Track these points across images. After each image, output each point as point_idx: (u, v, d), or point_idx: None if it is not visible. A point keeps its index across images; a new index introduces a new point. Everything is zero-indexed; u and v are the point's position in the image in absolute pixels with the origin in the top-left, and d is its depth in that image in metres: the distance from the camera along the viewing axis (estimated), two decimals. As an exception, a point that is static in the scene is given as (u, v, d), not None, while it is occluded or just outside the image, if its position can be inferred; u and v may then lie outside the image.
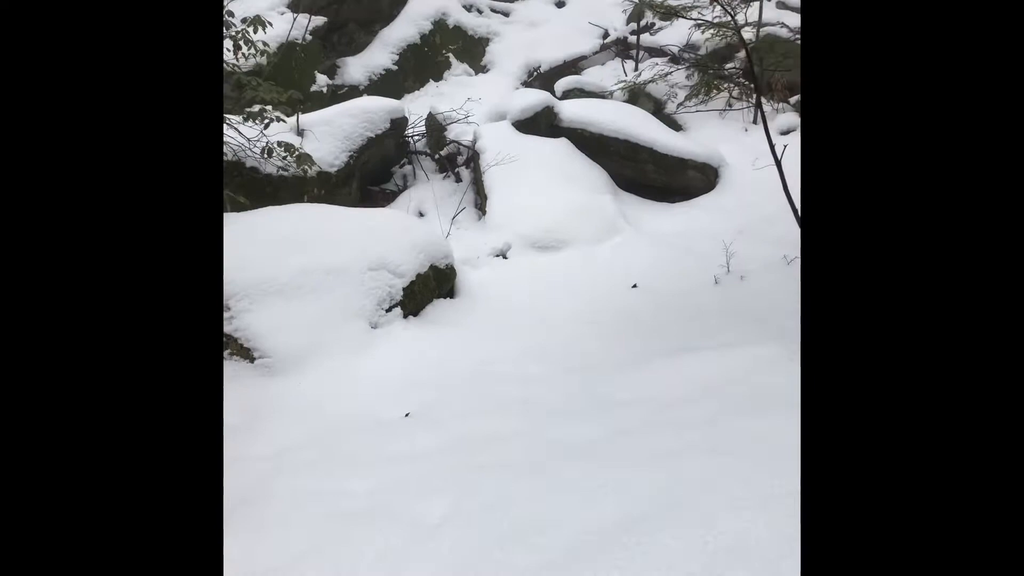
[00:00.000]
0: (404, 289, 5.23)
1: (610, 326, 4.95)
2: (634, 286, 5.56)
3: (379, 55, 9.36)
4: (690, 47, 8.87)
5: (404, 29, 9.62)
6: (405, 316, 5.18)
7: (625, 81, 8.53)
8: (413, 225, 5.85)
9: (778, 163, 4.50)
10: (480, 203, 7.25)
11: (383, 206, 7.55)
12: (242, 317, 4.63)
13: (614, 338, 4.71)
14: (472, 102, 8.34)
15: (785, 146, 4.69)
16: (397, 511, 2.82)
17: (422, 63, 9.62)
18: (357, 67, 9.17)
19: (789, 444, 2.52)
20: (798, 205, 4.61)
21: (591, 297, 5.55)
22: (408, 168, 8.07)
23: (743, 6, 4.26)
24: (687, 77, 6.11)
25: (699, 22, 4.61)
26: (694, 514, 2.30)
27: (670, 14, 5.33)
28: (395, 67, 9.35)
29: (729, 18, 4.37)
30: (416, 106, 8.82)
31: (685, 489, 2.48)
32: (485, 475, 3.01)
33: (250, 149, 5.83)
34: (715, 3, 4.36)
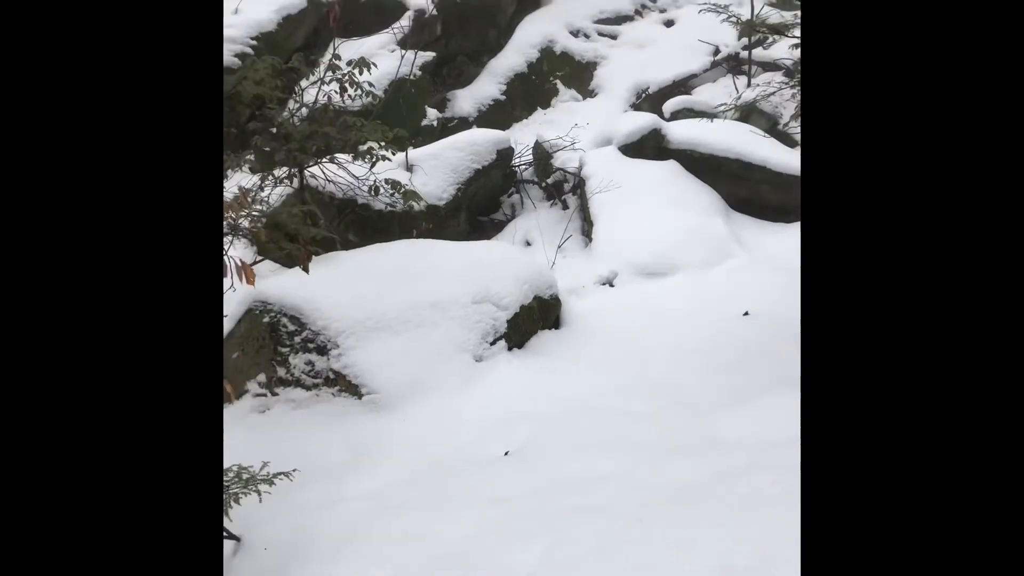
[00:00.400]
0: (508, 321, 5.23)
1: (720, 357, 4.78)
2: (746, 313, 5.36)
3: (487, 86, 9.49)
4: (805, 59, 8.54)
5: (511, 59, 9.73)
6: (509, 348, 5.18)
7: (736, 99, 8.31)
8: (516, 255, 5.86)
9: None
10: (586, 230, 7.20)
11: (492, 236, 7.62)
12: (350, 354, 4.74)
13: (723, 371, 4.54)
14: (578, 128, 8.32)
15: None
16: (489, 558, 2.79)
17: (530, 91, 9.69)
18: (466, 99, 9.33)
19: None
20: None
21: (700, 325, 5.38)
22: (516, 197, 8.12)
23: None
24: (792, 96, 5.90)
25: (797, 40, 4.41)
26: (788, 567, 2.17)
27: (775, 31, 5.14)
28: (503, 97, 9.46)
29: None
30: (524, 135, 8.88)
31: (781, 541, 2.34)
32: (580, 520, 2.94)
33: (359, 188, 6.00)
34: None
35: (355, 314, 4.85)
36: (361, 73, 5.62)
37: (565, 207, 7.80)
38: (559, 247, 7.07)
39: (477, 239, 7.57)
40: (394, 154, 5.88)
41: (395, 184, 5.93)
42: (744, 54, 9.48)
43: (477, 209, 7.80)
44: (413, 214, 6.71)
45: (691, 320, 5.53)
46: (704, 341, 5.08)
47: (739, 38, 9.70)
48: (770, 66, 9.30)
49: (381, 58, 8.49)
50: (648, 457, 3.43)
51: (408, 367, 4.72)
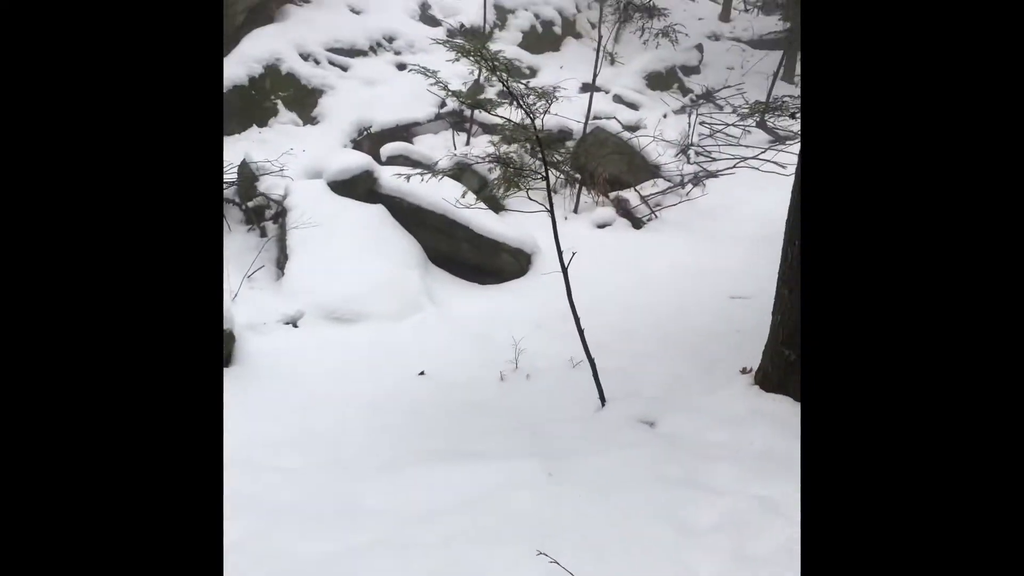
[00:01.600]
0: (170, 355, 4.79)
1: (389, 416, 4.72)
2: (422, 373, 5.38)
3: (201, 92, 8.86)
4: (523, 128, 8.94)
5: (233, 69, 9.19)
6: (167, 385, 4.73)
7: (453, 155, 8.49)
8: (193, 284, 5.41)
9: (564, 270, 4.49)
10: (281, 262, 6.89)
11: (177, 254, 7.03)
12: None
13: (389, 431, 4.48)
14: (291, 154, 8.01)
15: (573, 253, 4.69)
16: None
17: (248, 106, 9.20)
18: (175, 101, 8.63)
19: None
20: (579, 313, 4.61)
21: (377, 379, 5.31)
22: (212, 216, 7.59)
23: (544, 107, 4.22)
24: (488, 171, 6.15)
25: (503, 126, 4.58)
26: None
27: (476, 105, 5.31)
28: (217, 106, 8.88)
29: (529, 120, 4.35)
30: (234, 151, 8.37)
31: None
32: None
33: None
34: (516, 105, 4.32)
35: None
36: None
37: (263, 235, 7.43)
38: (248, 276, 6.69)
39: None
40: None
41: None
42: (468, 112, 9.76)
43: (165, 222, 7.17)
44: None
45: (370, 372, 5.45)
46: (380, 398, 5.01)
47: (464, 98, 9.94)
48: (490, 128, 9.63)
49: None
50: (280, 524, 3.23)
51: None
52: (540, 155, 4.41)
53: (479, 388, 5.10)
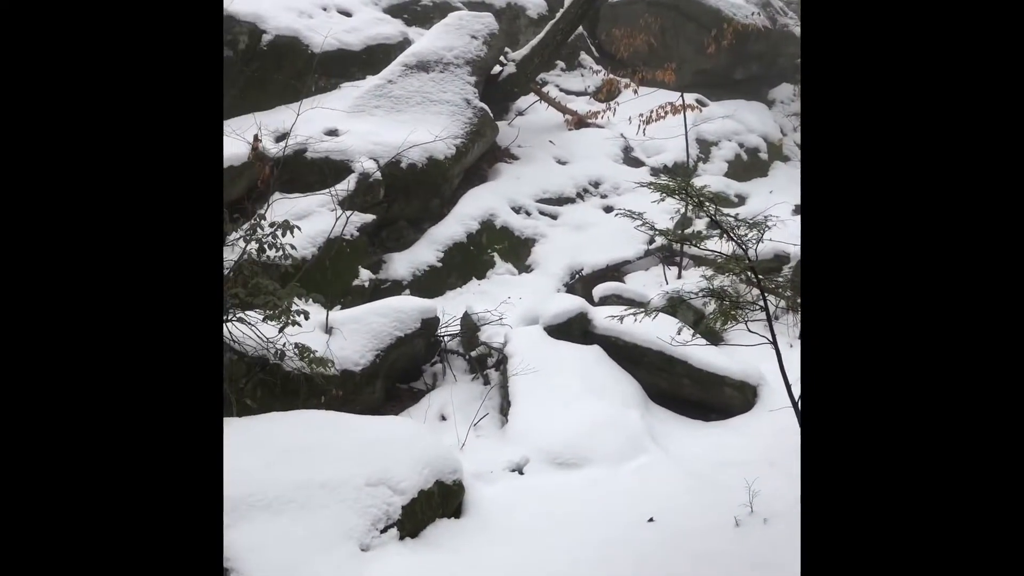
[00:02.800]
0: (404, 507, 4.94)
1: (617, 567, 4.54)
2: (650, 520, 5.16)
3: (425, 252, 9.54)
4: (735, 259, 8.79)
5: (452, 228, 9.86)
6: (401, 538, 4.87)
7: (665, 291, 8.46)
8: (421, 434, 5.64)
9: (795, 403, 4.22)
10: (504, 409, 7.04)
11: (408, 407, 7.40)
12: (225, 533, 4.40)
13: (618, 584, 4.30)
14: (508, 303, 8.33)
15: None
16: None
17: (467, 261, 9.77)
18: (403, 263, 9.35)
19: None
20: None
21: (604, 527, 5.15)
22: (439, 367, 7.97)
23: (756, 235, 4.13)
24: (703, 304, 6.03)
25: (714, 259, 4.51)
26: None
27: (695, 238, 5.29)
28: (439, 264, 9.49)
29: (742, 251, 4.25)
30: (455, 304, 8.85)
31: None
32: None
33: (266, 349, 5.81)
34: (726, 236, 4.26)
35: (235, 490, 4.53)
36: (283, 235, 5.56)
37: (487, 382, 7.66)
38: (474, 424, 6.88)
39: (393, 408, 7.35)
40: (307, 318, 5.73)
41: (304, 349, 5.75)
42: (677, 246, 9.75)
43: (396, 377, 7.61)
44: (326, 378, 6.49)
45: (597, 520, 5.31)
46: (605, 547, 4.85)
47: (673, 231, 9.99)
48: (701, 259, 9.54)
49: (319, 216, 8.52)
50: None
51: (285, 552, 4.38)
52: (757, 285, 4.26)
53: (712, 536, 4.80)
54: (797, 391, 4.37)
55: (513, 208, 10.48)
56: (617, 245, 10.00)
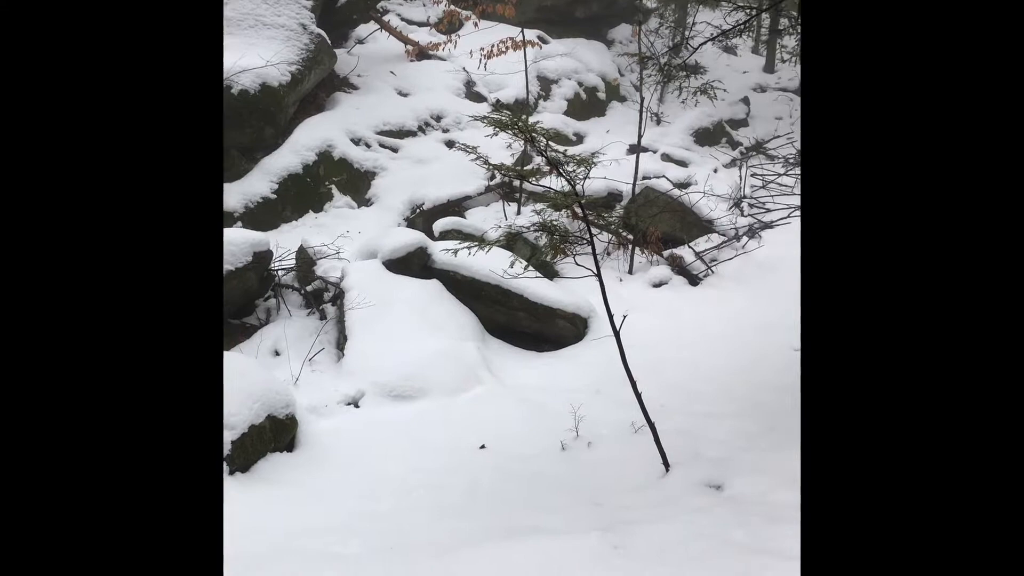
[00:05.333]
0: (234, 442, 4.86)
1: (449, 494, 4.67)
2: (482, 447, 5.33)
3: (258, 183, 9.17)
4: (564, 195, 9.02)
5: (287, 158, 9.51)
6: (232, 472, 4.79)
7: (503, 226, 8.57)
8: (252, 369, 5.51)
9: (616, 334, 4.44)
10: (341, 344, 6.98)
11: (240, 341, 7.20)
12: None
13: (449, 510, 4.43)
14: (347, 237, 8.19)
15: (624, 315, 4.64)
16: None
17: (303, 193, 9.48)
18: (235, 194, 8.95)
19: None
20: (636, 376, 4.54)
21: (437, 455, 5.28)
22: (272, 302, 7.77)
23: (584, 171, 4.24)
24: (535, 239, 6.20)
25: (547, 194, 4.62)
26: None
27: (531, 174, 5.39)
28: (274, 196, 9.17)
29: (569, 187, 4.37)
30: (291, 237, 8.61)
31: None
32: None
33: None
34: (556, 173, 4.36)
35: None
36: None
37: (323, 317, 7.56)
38: (309, 359, 6.79)
39: (224, 344, 7.12)
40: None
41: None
42: (517, 182, 9.87)
43: (230, 311, 7.36)
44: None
45: (431, 448, 5.42)
46: (441, 475, 4.97)
47: (508, 170, 10.09)
48: (540, 196, 9.72)
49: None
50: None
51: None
52: (583, 219, 4.41)
53: (540, 460, 5.02)
54: (619, 321, 4.59)
55: (352, 139, 10.23)
56: (459, 180, 9.99)
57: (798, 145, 11.60)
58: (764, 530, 3.47)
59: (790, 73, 15.19)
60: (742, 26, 5.56)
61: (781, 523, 3.52)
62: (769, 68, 15.84)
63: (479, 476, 4.85)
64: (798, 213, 9.47)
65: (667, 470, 4.44)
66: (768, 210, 9.89)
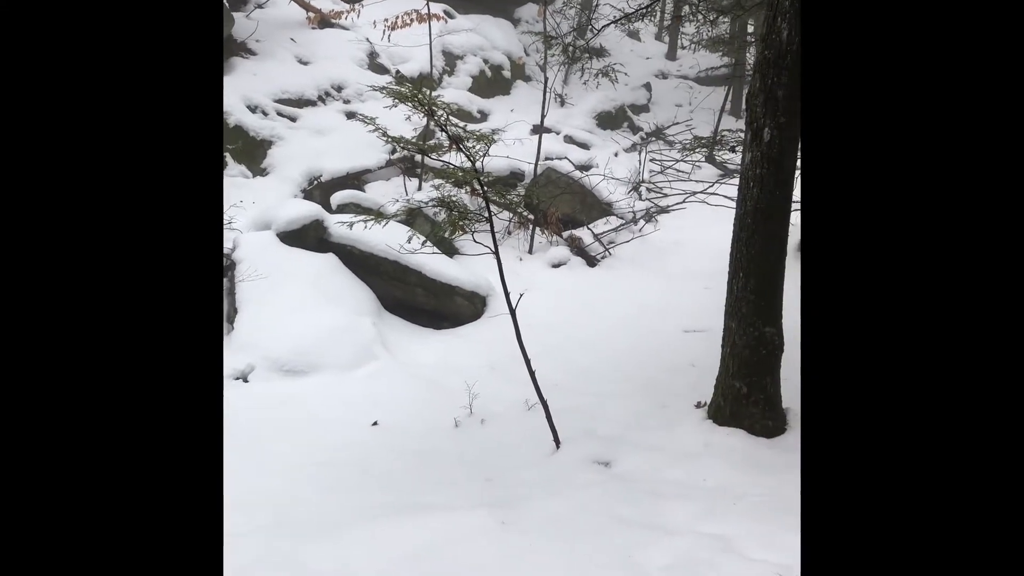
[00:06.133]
0: (111, 418, 4.65)
1: (340, 471, 4.60)
2: (375, 424, 5.27)
3: (146, 147, 8.76)
4: (464, 171, 8.98)
5: (178, 123, 9.11)
6: (108, 449, 4.58)
7: (403, 200, 8.46)
8: (135, 344, 5.27)
9: (512, 312, 4.44)
10: (231, 317, 6.76)
11: (123, 313, 6.87)
12: None
13: (339, 487, 4.35)
14: (237, 207, 7.91)
15: (521, 294, 4.65)
16: None
17: (195, 160, 9.10)
18: (120, 158, 8.51)
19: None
20: (530, 354, 4.56)
21: (330, 432, 5.18)
22: (159, 272, 7.45)
23: (484, 148, 4.22)
24: (434, 215, 6.16)
25: (446, 170, 4.57)
26: None
27: (432, 149, 5.32)
28: (163, 162, 8.77)
29: (469, 163, 4.33)
30: (180, 205, 8.26)
31: None
32: None
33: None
34: (456, 148, 4.31)
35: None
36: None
37: (213, 289, 7.29)
38: (197, 333, 6.54)
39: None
40: None
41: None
42: (419, 158, 9.76)
43: (110, 281, 7.02)
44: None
45: (323, 425, 5.32)
46: (331, 452, 4.88)
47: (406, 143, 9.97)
48: (442, 173, 9.64)
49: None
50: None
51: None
52: (482, 195, 4.39)
53: (433, 436, 5.00)
54: (516, 300, 4.60)
55: (248, 107, 9.87)
56: (359, 153, 9.80)
57: (696, 132, 11.90)
58: (650, 506, 3.55)
59: (691, 61, 15.54)
60: (644, 10, 5.62)
61: (667, 499, 3.62)
62: (671, 55, 16.15)
63: (371, 453, 4.79)
64: (693, 199, 9.73)
65: (558, 447, 4.49)
66: (665, 195, 10.12)
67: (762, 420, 4.27)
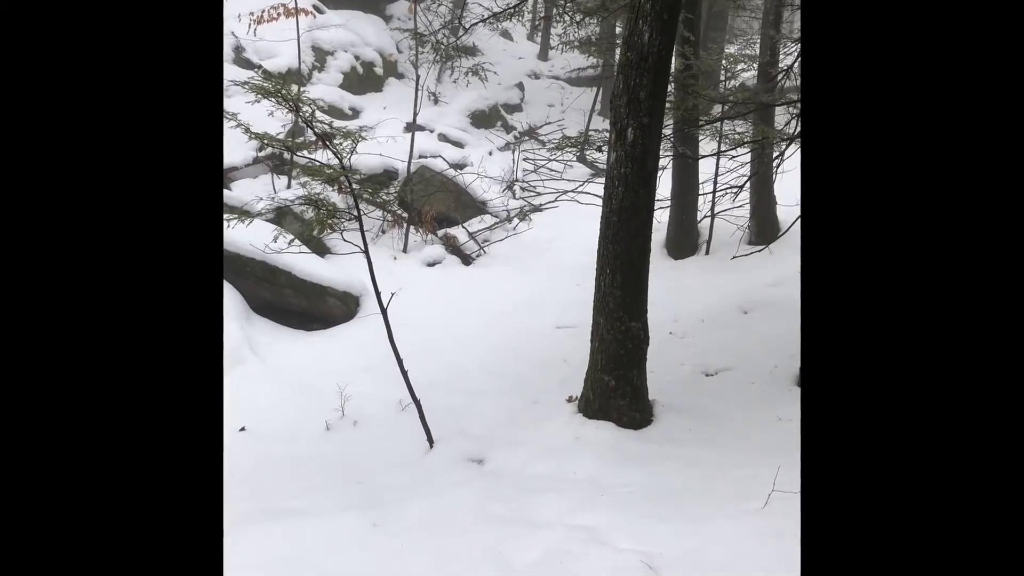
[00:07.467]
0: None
1: (203, 479, 4.41)
2: (242, 429, 5.09)
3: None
4: (331, 169, 8.82)
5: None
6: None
7: (271, 199, 8.21)
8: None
9: (384, 312, 4.39)
10: (85, 323, 6.38)
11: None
12: None
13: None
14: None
15: (394, 293, 4.61)
16: None
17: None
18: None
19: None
20: (402, 352, 4.52)
21: (193, 441, 4.97)
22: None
23: (352, 146, 4.14)
24: (301, 213, 6.03)
25: (308, 166, 4.46)
26: None
27: (300, 147, 5.18)
28: (6, 158, 8.18)
29: (337, 161, 4.25)
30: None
31: None
32: None
33: None
34: (323, 145, 4.21)
35: None
36: None
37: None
38: (46, 340, 6.14)
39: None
40: None
41: None
42: (288, 155, 9.50)
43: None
44: None
45: (186, 433, 5.10)
46: (193, 459, 4.68)
47: (271, 140, 9.70)
48: (312, 171, 9.42)
49: None
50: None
51: None
52: (351, 192, 4.31)
53: (303, 441, 4.88)
54: (388, 299, 4.55)
55: (102, 100, 9.34)
56: (224, 150, 9.44)
57: (567, 132, 12.11)
58: (522, 501, 3.58)
59: (562, 61, 15.80)
60: (512, 9, 5.66)
61: (538, 493, 3.66)
62: (543, 55, 16.38)
63: (237, 460, 4.62)
64: (565, 197, 9.90)
65: (431, 446, 4.47)
66: (538, 193, 10.25)
67: (629, 412, 4.38)
